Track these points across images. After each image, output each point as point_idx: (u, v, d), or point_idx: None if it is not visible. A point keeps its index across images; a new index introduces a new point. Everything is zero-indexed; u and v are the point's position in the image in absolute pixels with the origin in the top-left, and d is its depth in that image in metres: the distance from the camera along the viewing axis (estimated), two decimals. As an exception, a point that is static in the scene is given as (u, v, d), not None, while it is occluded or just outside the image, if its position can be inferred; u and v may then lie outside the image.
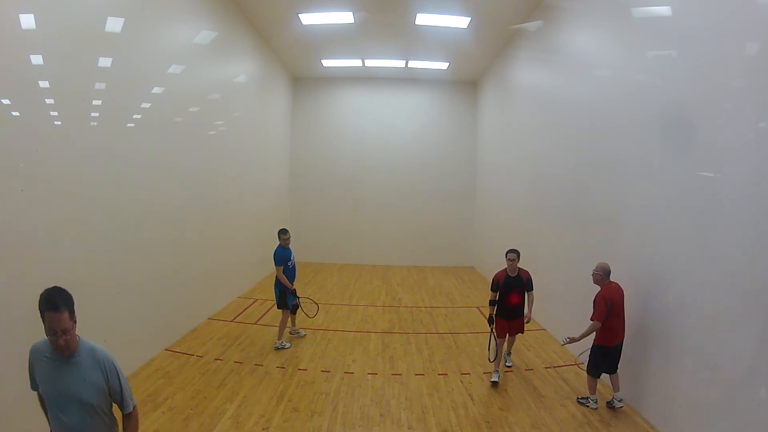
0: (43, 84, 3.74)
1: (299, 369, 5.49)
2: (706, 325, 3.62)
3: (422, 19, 8.83)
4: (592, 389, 4.67)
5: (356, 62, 11.99)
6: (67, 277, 4.02)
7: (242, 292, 9.11)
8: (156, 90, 5.60)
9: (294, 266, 6.45)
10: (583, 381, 5.11)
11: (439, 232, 13.58)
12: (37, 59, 3.65)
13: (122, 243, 4.87)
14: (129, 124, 5.02)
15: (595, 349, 4.57)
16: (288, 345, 6.26)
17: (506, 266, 5.38)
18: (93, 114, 4.38)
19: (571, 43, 6.78)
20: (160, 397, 4.55)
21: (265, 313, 7.85)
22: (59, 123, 3.93)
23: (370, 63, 12.01)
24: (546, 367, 5.72)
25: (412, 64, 11.98)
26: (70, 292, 4.24)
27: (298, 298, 6.36)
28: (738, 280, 3.33)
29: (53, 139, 3.86)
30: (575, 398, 4.79)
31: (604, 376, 4.68)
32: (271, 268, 11.50)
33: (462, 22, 8.86)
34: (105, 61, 4.53)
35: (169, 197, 6.00)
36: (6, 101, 3.39)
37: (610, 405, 4.58)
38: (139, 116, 5.20)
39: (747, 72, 3.35)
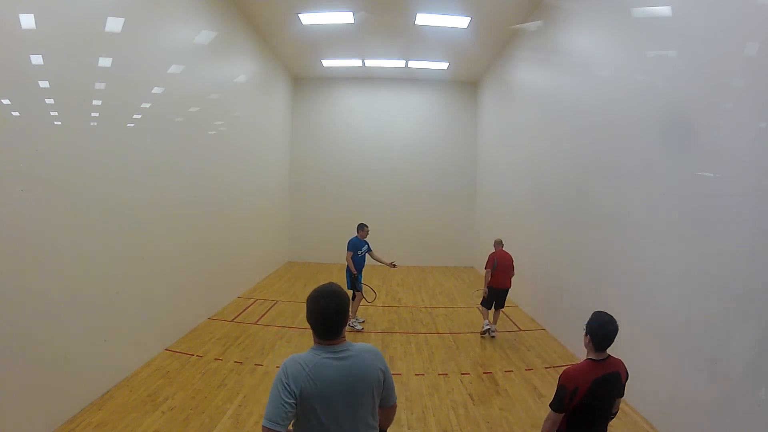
0: (43, 84, 3.73)
1: (299, 369, 5.48)
2: (706, 325, 3.62)
3: (422, 19, 8.83)
4: (485, 316, 6.90)
5: (356, 62, 11.99)
6: (67, 277, 4.04)
7: (242, 292, 9.10)
8: (156, 90, 5.60)
9: (364, 256, 7.28)
10: None
11: (439, 232, 13.58)
12: (37, 59, 3.65)
13: (122, 243, 4.87)
14: (129, 124, 5.01)
15: (488, 290, 6.76)
16: (360, 327, 7.10)
17: (589, 354, 2.61)
18: (93, 114, 4.38)
19: (571, 43, 6.78)
20: (160, 397, 4.55)
21: (265, 312, 7.85)
22: (59, 123, 3.93)
23: (370, 63, 12.01)
24: (546, 367, 5.72)
25: (412, 64, 11.99)
26: (69, 291, 4.27)
27: (362, 284, 7.20)
28: (738, 280, 3.33)
29: (53, 139, 3.86)
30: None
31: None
32: (271, 268, 11.59)
33: (462, 22, 8.87)
34: (105, 61, 4.52)
35: (169, 197, 5.99)
36: (6, 101, 3.39)
37: (484, 333, 6.84)
38: (139, 116, 5.19)
39: (747, 72, 3.35)
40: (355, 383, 1.86)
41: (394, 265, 7.43)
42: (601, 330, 2.51)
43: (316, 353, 1.88)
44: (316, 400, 1.80)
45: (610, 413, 2.61)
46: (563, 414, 2.51)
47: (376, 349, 2.00)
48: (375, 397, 1.93)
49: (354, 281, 7.06)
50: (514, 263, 6.92)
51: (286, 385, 1.79)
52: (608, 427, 2.72)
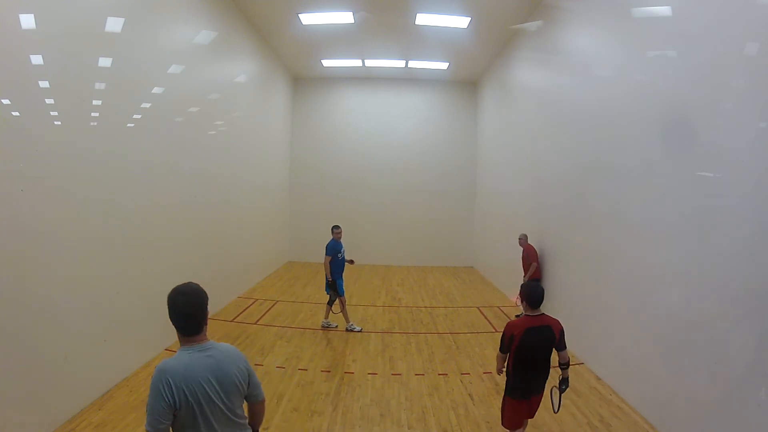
0: (43, 84, 3.73)
1: (299, 369, 5.49)
2: (706, 325, 3.62)
3: (422, 19, 8.83)
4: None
5: (356, 62, 12.00)
6: (67, 277, 4.04)
7: (242, 292, 9.11)
8: (156, 90, 5.60)
9: (343, 259, 7.07)
10: (583, 380, 5.24)
11: (439, 232, 13.58)
12: (37, 59, 3.65)
13: (122, 243, 4.87)
14: (129, 124, 5.02)
15: (530, 282, 7.06)
16: (358, 328, 7.00)
17: (525, 311, 3.43)
18: (93, 114, 4.38)
19: (571, 43, 6.78)
20: (160, 397, 4.55)
21: (265, 312, 7.85)
22: (59, 123, 3.93)
23: (370, 63, 12.02)
24: (546, 367, 5.71)
25: (412, 64, 11.99)
26: (69, 291, 4.27)
27: (343, 281, 7.01)
28: (738, 280, 3.32)
29: (53, 139, 3.86)
30: (574, 397, 4.80)
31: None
32: (271, 268, 11.59)
33: (462, 22, 8.87)
34: (105, 61, 4.53)
35: (169, 197, 6.00)
36: (6, 101, 3.39)
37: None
38: (139, 116, 5.20)
39: (747, 72, 3.35)
40: (224, 378, 1.98)
41: (352, 262, 7.34)
42: (532, 294, 3.37)
43: (186, 352, 2.00)
44: (192, 396, 1.89)
45: (547, 360, 3.42)
46: (507, 354, 3.40)
47: (237, 349, 2.18)
48: (242, 392, 2.07)
49: (333, 286, 6.85)
50: None
51: (165, 388, 1.86)
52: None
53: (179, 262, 6.27)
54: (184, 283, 2.07)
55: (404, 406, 4.61)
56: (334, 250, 6.90)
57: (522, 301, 3.46)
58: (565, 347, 3.42)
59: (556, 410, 3.60)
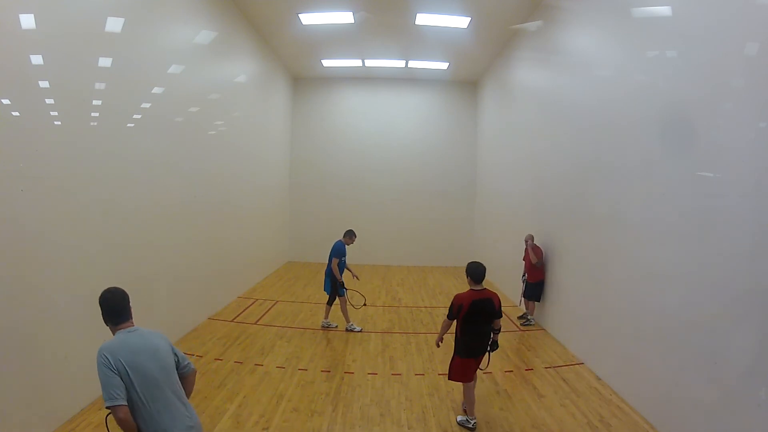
0: (43, 84, 3.73)
1: (299, 369, 5.49)
2: (706, 325, 3.62)
3: (422, 19, 8.83)
4: (532, 311, 7.41)
5: (356, 62, 11.99)
6: (67, 277, 4.04)
7: (242, 292, 9.11)
8: (156, 90, 5.60)
9: (345, 262, 7.11)
10: (583, 380, 5.24)
11: (439, 232, 13.57)
12: (37, 59, 3.65)
13: (122, 243, 4.86)
14: (129, 124, 5.02)
15: (539, 283, 7.16)
16: (358, 328, 7.02)
17: (470, 286, 4.11)
18: (93, 114, 4.38)
19: (571, 43, 6.78)
20: (160, 397, 4.55)
21: (265, 312, 7.85)
22: (59, 123, 3.93)
23: (370, 63, 12.01)
24: (546, 367, 5.71)
25: (412, 64, 11.98)
26: (69, 291, 4.26)
27: (346, 289, 7.02)
28: (738, 280, 3.32)
29: (53, 139, 3.86)
30: (574, 397, 4.80)
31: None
32: (271, 268, 11.59)
33: (462, 22, 8.86)
34: (105, 61, 4.52)
35: (169, 197, 6.00)
36: (6, 101, 3.39)
37: (528, 322, 7.37)
38: (139, 116, 5.19)
39: (747, 72, 3.35)
40: (157, 351, 2.34)
41: (358, 278, 7.65)
42: (475, 272, 4.05)
43: (118, 335, 2.35)
44: (130, 368, 2.20)
45: (491, 327, 4.14)
46: (453, 320, 4.08)
47: (158, 331, 2.51)
48: (173, 366, 2.40)
49: (336, 287, 6.87)
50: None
51: (109, 365, 2.19)
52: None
53: (179, 262, 6.28)
54: (109, 287, 2.50)
55: (404, 406, 4.61)
56: (340, 252, 6.92)
57: (468, 278, 4.10)
58: (501, 316, 4.17)
59: (484, 368, 4.42)
